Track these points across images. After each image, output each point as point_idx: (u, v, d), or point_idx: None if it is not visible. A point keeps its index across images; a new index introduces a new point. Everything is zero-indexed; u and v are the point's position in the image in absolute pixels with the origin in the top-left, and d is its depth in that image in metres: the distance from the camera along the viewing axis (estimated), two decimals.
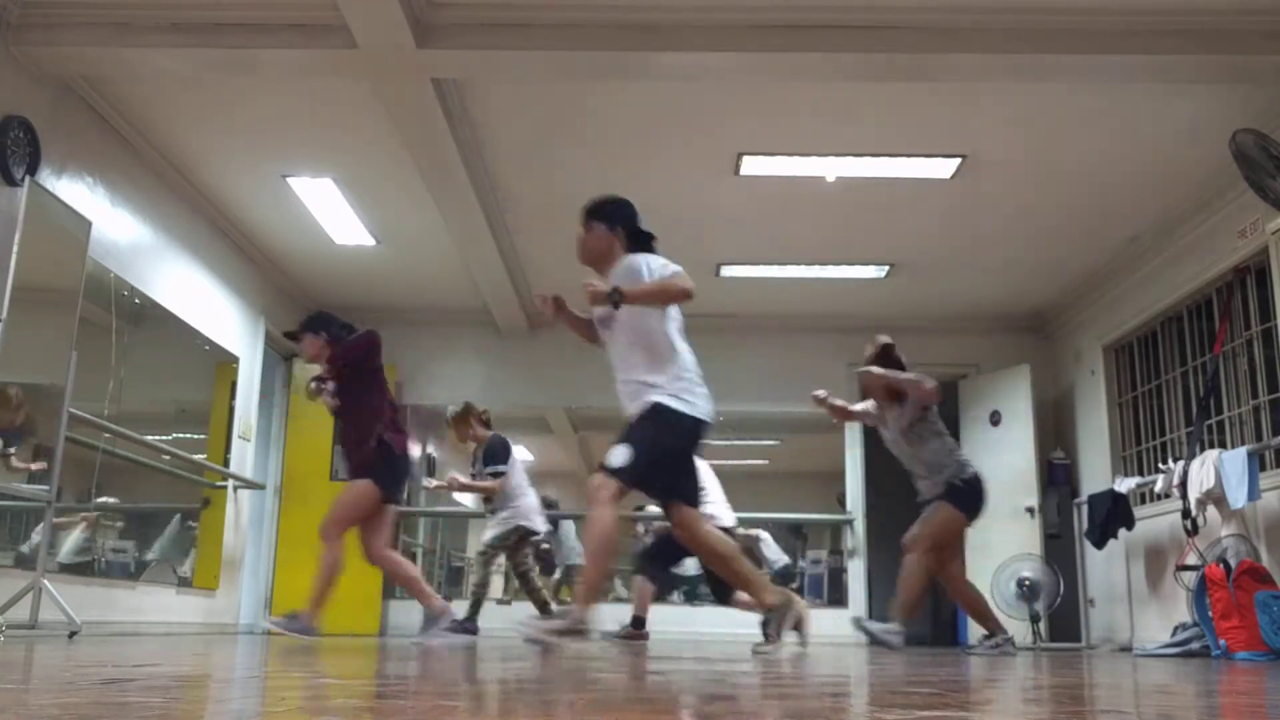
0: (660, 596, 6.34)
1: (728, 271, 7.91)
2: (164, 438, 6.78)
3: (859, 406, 5.45)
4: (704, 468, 4.91)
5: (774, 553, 8.82)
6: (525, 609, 6.65)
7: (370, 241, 7.39)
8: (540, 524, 6.68)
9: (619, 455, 3.67)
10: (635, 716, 1.41)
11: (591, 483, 3.68)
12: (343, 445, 5.21)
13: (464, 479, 6.65)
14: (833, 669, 3.06)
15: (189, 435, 7.17)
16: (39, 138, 4.92)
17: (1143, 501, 7.05)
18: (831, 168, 6.15)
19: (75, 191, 5.34)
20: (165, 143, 6.04)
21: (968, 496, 5.22)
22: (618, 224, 4.02)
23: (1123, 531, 6.92)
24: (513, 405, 8.77)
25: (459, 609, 6.52)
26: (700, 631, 8.15)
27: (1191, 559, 5.74)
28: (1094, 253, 7.36)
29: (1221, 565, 5.11)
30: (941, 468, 5.22)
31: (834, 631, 8.38)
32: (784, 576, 8.70)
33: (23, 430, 4.85)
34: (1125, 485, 6.89)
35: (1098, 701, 1.89)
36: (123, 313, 5.94)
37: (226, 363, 7.37)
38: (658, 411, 3.74)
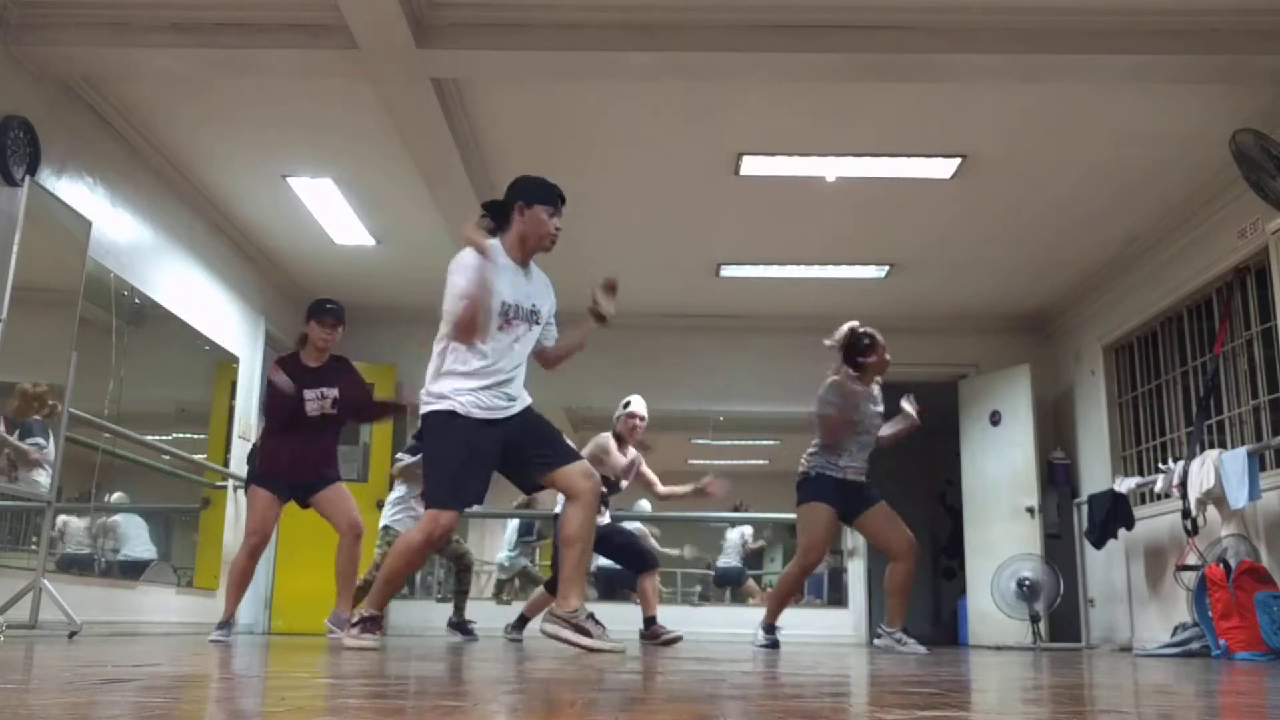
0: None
1: (728, 271, 7.91)
2: (164, 438, 6.78)
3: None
4: None
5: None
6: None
7: (370, 241, 7.39)
8: None
9: None
10: (636, 716, 1.41)
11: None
12: (324, 448, 5.19)
13: None
14: (833, 669, 3.06)
15: (189, 435, 7.17)
16: (39, 138, 4.91)
17: (1143, 501, 7.04)
18: (831, 168, 6.15)
19: (75, 191, 5.34)
20: (165, 143, 6.04)
21: None
22: None
23: (1123, 531, 6.92)
24: None
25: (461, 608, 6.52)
26: (700, 631, 8.14)
27: (1191, 559, 5.74)
28: (1094, 253, 7.36)
29: (1221, 565, 5.11)
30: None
31: (834, 632, 8.39)
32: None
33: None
34: (1125, 485, 6.88)
35: (1098, 701, 1.89)
36: (123, 313, 5.94)
37: (226, 363, 7.37)
38: None
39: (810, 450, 5.29)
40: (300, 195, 6.65)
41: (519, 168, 6.31)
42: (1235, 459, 5.44)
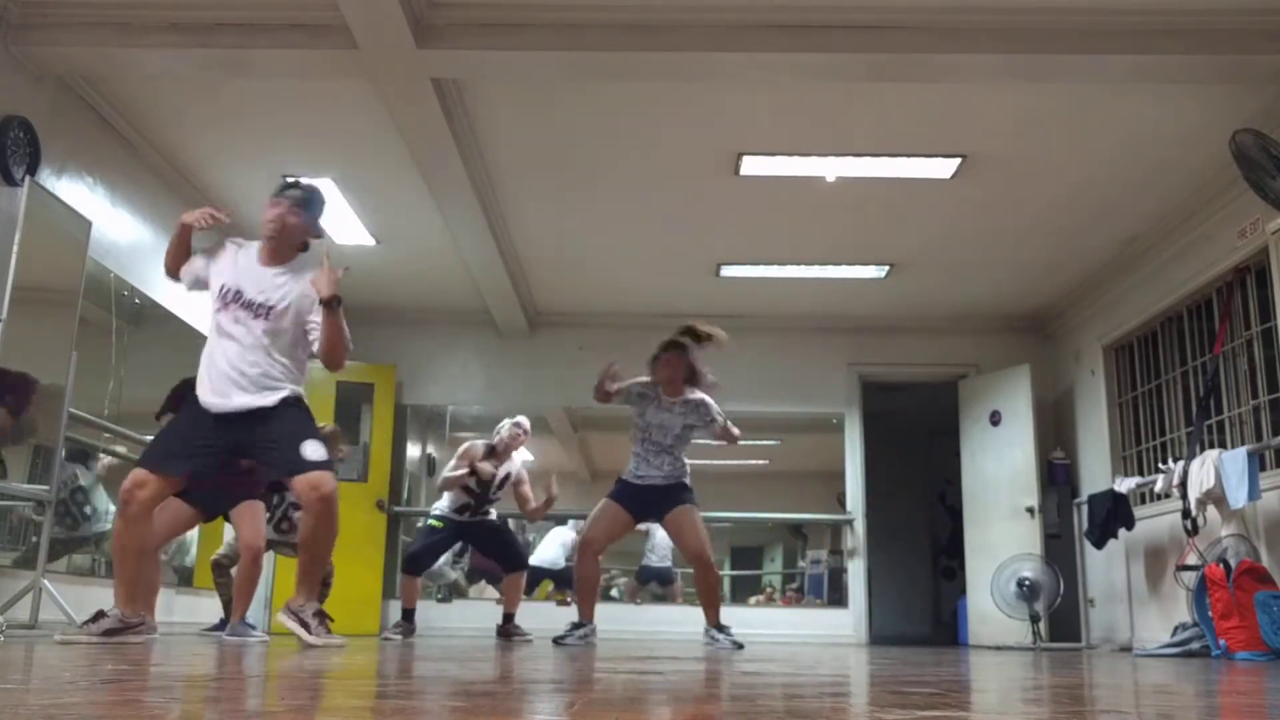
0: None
1: (728, 271, 7.91)
2: None
3: (625, 384, 5.58)
4: None
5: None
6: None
7: (370, 241, 7.38)
8: None
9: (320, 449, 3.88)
10: (636, 716, 1.41)
11: (328, 484, 3.82)
12: None
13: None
14: (833, 669, 3.06)
15: None
16: (39, 138, 4.91)
17: (1143, 501, 7.04)
18: (831, 168, 6.15)
19: (75, 191, 5.34)
20: (165, 143, 6.04)
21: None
22: (317, 223, 4.25)
23: (1123, 531, 6.92)
24: (512, 405, 8.78)
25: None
26: (698, 632, 8.13)
27: (1191, 559, 5.74)
28: (1094, 253, 7.36)
29: (1221, 565, 5.11)
30: (683, 465, 5.62)
31: (834, 632, 8.39)
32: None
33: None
34: (1125, 485, 6.88)
35: (1098, 701, 1.89)
36: (123, 313, 5.93)
37: None
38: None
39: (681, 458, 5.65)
40: None
41: (519, 168, 6.35)
42: (1235, 459, 5.45)
